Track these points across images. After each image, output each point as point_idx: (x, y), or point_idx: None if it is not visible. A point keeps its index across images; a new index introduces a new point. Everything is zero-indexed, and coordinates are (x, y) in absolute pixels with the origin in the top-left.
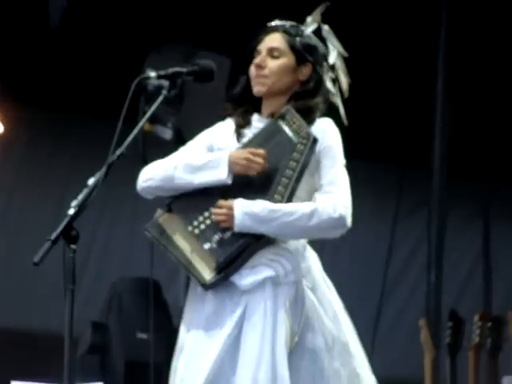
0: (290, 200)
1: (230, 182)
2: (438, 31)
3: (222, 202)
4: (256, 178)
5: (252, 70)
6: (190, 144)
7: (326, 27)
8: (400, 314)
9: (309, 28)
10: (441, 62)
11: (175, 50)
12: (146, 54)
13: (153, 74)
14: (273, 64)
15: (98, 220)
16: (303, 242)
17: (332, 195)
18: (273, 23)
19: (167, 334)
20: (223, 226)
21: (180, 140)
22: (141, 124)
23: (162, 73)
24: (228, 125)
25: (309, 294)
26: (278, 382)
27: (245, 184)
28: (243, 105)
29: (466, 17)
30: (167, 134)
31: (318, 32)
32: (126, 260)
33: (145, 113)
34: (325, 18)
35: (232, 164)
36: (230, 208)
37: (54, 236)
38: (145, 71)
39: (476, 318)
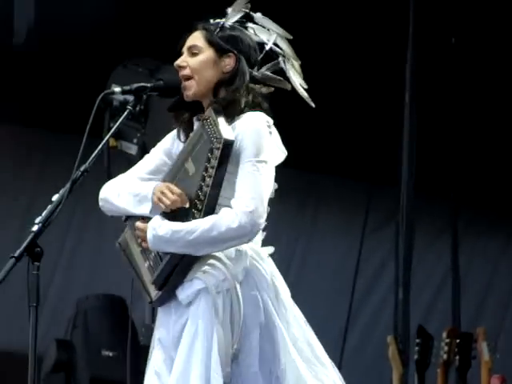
0: (211, 207)
1: (155, 215)
2: (405, 45)
3: (138, 224)
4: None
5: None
6: (152, 152)
7: (258, 14)
8: (368, 329)
9: (230, 20)
10: (408, 77)
11: (140, 64)
12: (111, 69)
13: (117, 89)
14: (192, 61)
15: (64, 236)
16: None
17: (236, 202)
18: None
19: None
20: (143, 246)
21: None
22: (105, 139)
23: (127, 88)
24: None
25: (247, 298)
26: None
27: None
28: (184, 112)
29: (434, 31)
30: (132, 149)
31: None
32: (92, 276)
33: (110, 128)
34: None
35: (153, 196)
36: (143, 231)
37: (17, 253)
38: (110, 86)
39: (444, 334)
